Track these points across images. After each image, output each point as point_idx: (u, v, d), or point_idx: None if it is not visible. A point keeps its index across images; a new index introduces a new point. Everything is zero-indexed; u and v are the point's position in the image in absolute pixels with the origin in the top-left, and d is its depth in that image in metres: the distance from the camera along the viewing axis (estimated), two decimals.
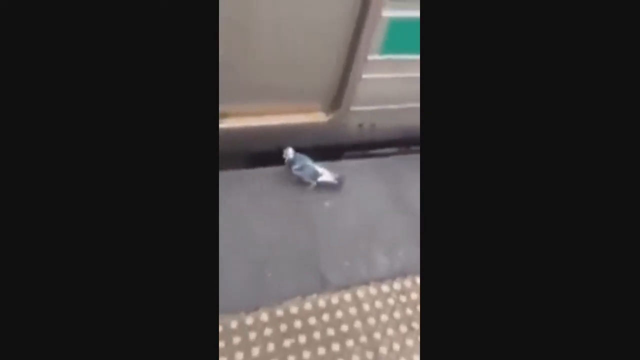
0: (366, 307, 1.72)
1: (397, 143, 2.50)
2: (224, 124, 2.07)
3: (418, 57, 1.93)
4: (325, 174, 2.07)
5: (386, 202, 2.09)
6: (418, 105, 2.09)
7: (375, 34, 1.83)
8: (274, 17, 1.73)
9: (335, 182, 2.07)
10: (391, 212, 2.05)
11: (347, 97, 2.05)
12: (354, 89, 2.01)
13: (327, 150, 2.26)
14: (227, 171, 1.98)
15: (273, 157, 2.16)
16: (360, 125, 2.22)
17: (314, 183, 2.05)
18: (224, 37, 1.43)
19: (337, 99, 2.10)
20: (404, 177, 2.21)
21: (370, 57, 1.88)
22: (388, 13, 1.80)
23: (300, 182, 2.05)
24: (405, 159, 2.35)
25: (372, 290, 1.77)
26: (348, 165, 2.21)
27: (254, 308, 1.63)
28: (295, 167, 2.04)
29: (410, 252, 1.90)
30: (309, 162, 2.06)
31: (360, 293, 1.75)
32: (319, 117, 2.13)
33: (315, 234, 1.92)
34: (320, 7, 1.75)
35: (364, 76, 1.94)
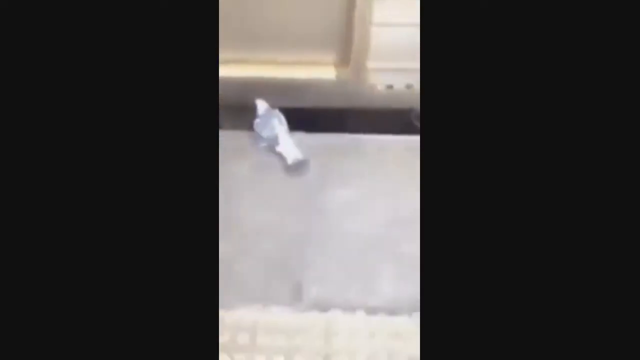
0: (339, 341, 1.22)
1: None
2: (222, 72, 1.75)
3: None
4: (285, 148, 1.64)
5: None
6: None
7: None
8: None
9: (289, 162, 1.63)
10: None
11: (358, 48, 1.55)
12: (366, 37, 1.50)
13: (342, 117, 1.80)
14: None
15: None
16: (390, 87, 1.70)
17: (266, 142, 1.65)
18: None
19: (346, 50, 1.62)
20: None
21: None
22: None
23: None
24: None
25: (356, 321, 1.26)
26: (374, 141, 1.68)
27: None
28: (257, 120, 1.66)
29: None
30: (275, 121, 1.66)
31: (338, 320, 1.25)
32: (327, 72, 1.67)
33: (311, 229, 1.47)
34: None
35: (376, 19, 1.44)
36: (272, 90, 1.70)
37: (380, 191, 1.53)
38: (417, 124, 1.76)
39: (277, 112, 1.69)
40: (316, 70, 1.66)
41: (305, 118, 1.75)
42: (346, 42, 1.57)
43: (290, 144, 1.66)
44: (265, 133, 1.66)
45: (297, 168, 1.66)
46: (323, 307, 1.25)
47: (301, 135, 1.70)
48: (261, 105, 1.67)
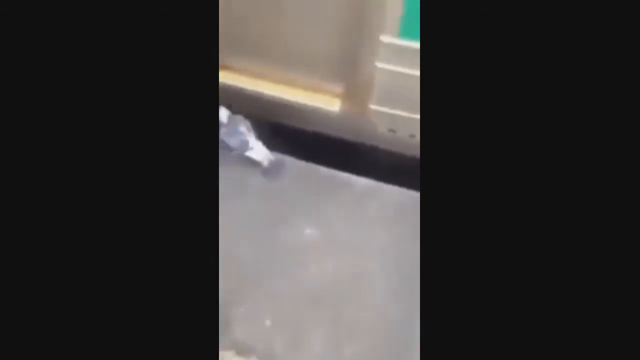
0: None
1: None
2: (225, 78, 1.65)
3: None
4: (257, 151, 1.59)
5: (389, 258, 1.40)
6: None
7: (390, 5, 1.21)
8: None
9: (265, 164, 1.60)
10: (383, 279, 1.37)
11: (362, 88, 1.46)
12: (369, 80, 1.40)
13: (343, 153, 1.68)
14: None
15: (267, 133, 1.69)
16: (392, 132, 1.60)
17: (236, 151, 1.58)
18: None
19: (352, 86, 1.52)
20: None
21: (384, 39, 1.26)
22: None
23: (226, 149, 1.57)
24: None
25: None
26: (362, 185, 1.59)
27: None
28: (224, 130, 1.58)
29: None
30: (242, 128, 1.59)
31: None
32: (330, 104, 1.60)
33: (257, 263, 1.38)
34: None
35: (378, 65, 1.33)
36: (272, 108, 1.65)
37: (345, 241, 1.44)
38: None
39: (241, 117, 1.62)
40: (320, 98, 1.57)
41: (299, 144, 1.68)
42: (353, 78, 1.48)
43: (262, 147, 1.61)
44: (233, 142, 1.59)
45: (275, 170, 1.61)
46: (242, 350, 1.18)
47: (290, 161, 1.64)
48: (223, 113, 1.60)
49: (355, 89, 1.51)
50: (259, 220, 1.46)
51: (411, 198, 1.52)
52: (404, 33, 1.24)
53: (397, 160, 1.69)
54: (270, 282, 1.32)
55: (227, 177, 1.51)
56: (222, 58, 1.65)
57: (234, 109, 1.72)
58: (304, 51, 1.49)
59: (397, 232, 1.45)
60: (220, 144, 1.58)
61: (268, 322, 1.24)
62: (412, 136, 1.58)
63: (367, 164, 1.68)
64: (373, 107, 1.51)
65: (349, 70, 1.46)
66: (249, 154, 1.60)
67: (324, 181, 1.57)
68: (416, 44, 1.26)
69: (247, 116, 1.70)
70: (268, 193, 1.55)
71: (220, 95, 1.72)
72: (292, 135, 1.69)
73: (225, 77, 1.64)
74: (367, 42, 1.32)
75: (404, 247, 1.40)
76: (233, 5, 1.43)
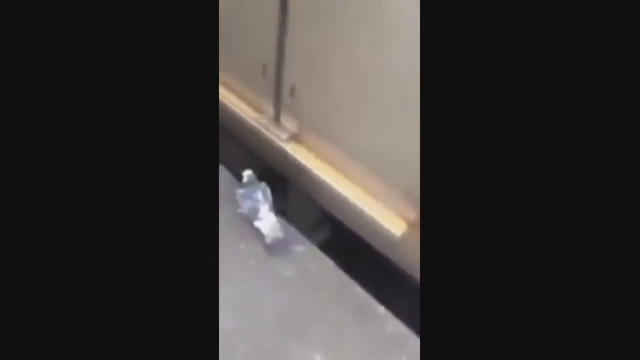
0: None
1: None
2: (296, 154, 1.56)
3: None
4: (267, 223, 1.50)
5: None
6: None
7: None
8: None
9: (267, 240, 1.49)
10: None
11: None
12: None
13: (389, 280, 1.49)
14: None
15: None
16: None
17: (246, 217, 1.52)
18: None
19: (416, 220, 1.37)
20: None
21: None
22: None
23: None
24: None
25: None
26: (394, 326, 1.38)
27: None
28: (241, 191, 1.53)
29: None
30: (259, 195, 1.52)
31: None
32: (396, 226, 1.40)
33: None
34: None
35: None
36: (331, 200, 1.51)
37: None
38: None
39: (263, 185, 1.55)
40: (388, 216, 1.41)
41: (345, 249, 1.53)
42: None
43: (272, 221, 1.51)
44: (246, 205, 1.52)
45: (277, 248, 1.51)
46: None
47: (329, 265, 1.48)
48: (247, 176, 1.54)
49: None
50: (269, 321, 1.30)
51: None
52: None
53: None
54: None
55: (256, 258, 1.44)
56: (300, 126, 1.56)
57: (295, 183, 1.60)
58: (394, 165, 1.35)
59: None
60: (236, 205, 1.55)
61: None
62: None
63: (408, 304, 1.48)
64: None
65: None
66: (257, 223, 1.51)
67: (356, 305, 1.39)
68: None
69: (307, 198, 1.59)
70: (292, 290, 1.40)
71: (282, 167, 1.64)
72: (340, 236, 1.54)
73: (295, 151, 1.56)
74: None
75: None
76: (335, 95, 1.34)
